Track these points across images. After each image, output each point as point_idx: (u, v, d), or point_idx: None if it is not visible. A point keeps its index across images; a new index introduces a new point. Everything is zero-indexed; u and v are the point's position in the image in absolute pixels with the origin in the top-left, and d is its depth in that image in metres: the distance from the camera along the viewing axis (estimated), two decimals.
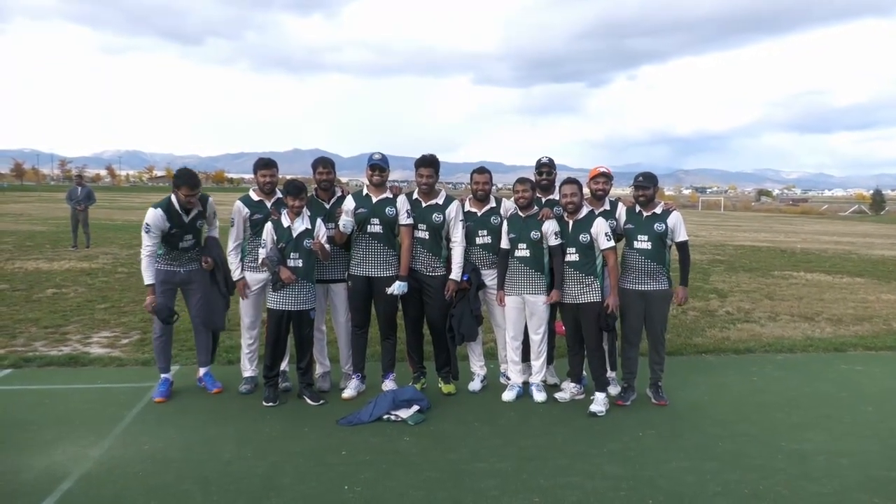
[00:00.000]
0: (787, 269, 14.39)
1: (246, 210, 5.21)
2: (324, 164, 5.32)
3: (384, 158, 5.33)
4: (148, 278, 4.92)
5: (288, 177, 7.12)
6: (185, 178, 4.91)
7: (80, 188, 16.09)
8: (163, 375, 5.24)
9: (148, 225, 4.85)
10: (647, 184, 5.23)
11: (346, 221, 5.09)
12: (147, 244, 4.88)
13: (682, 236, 5.25)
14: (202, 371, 5.41)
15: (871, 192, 70.70)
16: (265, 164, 5.25)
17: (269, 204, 5.22)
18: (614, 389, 5.46)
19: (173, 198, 4.97)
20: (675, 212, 5.29)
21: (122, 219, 25.59)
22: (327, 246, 5.07)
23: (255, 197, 5.27)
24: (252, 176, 5.44)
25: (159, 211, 4.88)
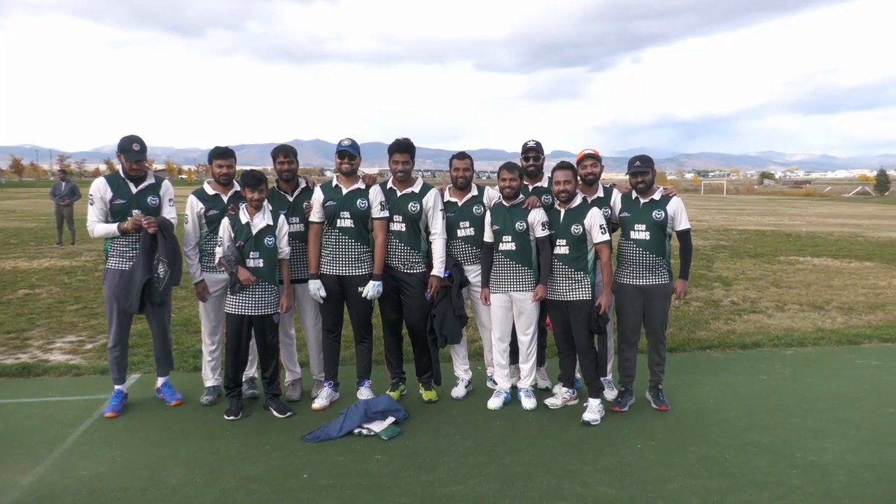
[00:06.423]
0: (793, 254, 13.90)
1: (200, 205, 4.73)
2: (284, 153, 4.82)
3: (353, 144, 4.82)
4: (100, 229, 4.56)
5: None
6: (122, 142, 4.57)
7: (63, 183, 15.67)
8: (116, 387, 4.79)
9: (91, 195, 4.57)
10: (645, 168, 4.72)
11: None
12: (90, 217, 4.57)
13: (683, 224, 4.75)
14: (160, 381, 4.96)
15: (875, 172, 69.66)
16: (221, 154, 4.75)
17: (225, 197, 4.74)
18: (610, 393, 5.00)
19: (120, 168, 4.67)
20: (675, 198, 4.79)
21: None
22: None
23: (210, 190, 4.79)
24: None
25: (101, 178, 4.64)
